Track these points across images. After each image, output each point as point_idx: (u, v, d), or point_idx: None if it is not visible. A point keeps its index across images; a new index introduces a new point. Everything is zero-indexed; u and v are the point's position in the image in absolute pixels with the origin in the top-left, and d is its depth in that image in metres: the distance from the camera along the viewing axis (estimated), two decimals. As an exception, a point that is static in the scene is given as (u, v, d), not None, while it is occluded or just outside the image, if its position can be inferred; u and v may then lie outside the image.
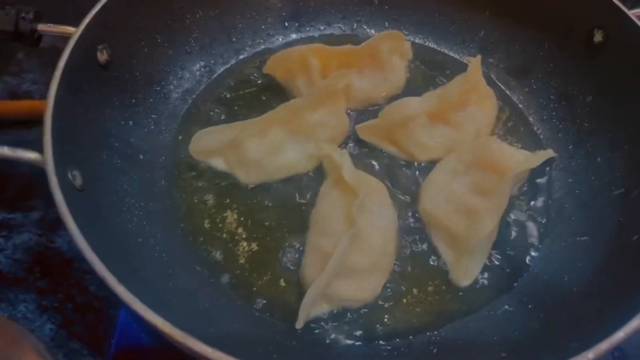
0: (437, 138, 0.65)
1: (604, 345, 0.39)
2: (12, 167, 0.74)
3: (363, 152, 0.67)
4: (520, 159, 0.61)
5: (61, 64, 0.52)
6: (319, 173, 0.64)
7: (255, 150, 0.62)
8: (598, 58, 0.65)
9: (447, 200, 0.60)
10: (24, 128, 0.75)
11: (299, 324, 0.51)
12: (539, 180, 0.65)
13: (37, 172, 0.71)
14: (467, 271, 0.56)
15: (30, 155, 0.48)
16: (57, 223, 0.68)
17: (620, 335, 0.39)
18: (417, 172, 0.65)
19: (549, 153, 0.63)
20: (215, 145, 0.64)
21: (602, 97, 0.65)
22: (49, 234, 0.68)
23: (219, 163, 0.64)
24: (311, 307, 0.52)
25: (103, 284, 0.60)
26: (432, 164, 0.65)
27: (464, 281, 0.56)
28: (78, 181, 0.50)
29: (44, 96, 0.50)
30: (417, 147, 0.65)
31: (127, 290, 0.40)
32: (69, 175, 0.49)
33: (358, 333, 0.53)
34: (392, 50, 0.71)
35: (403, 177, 0.65)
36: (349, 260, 0.53)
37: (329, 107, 0.65)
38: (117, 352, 0.57)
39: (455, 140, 0.65)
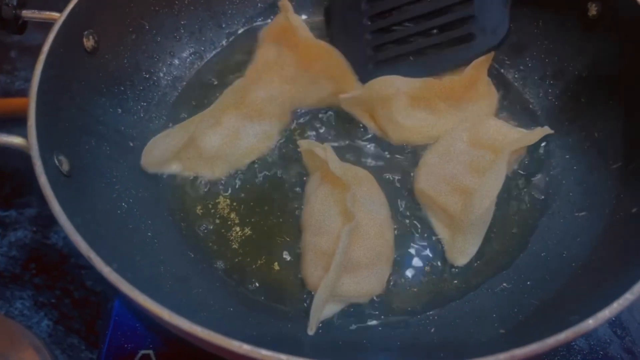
0: (414, 121, 0.64)
1: (606, 313, 0.37)
2: (6, 165, 0.73)
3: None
4: (516, 137, 0.60)
5: (45, 48, 0.51)
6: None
7: (214, 142, 0.61)
8: (593, 33, 0.64)
9: (443, 179, 0.59)
10: (15, 125, 0.75)
11: (311, 330, 0.49)
12: (536, 158, 0.64)
13: (31, 169, 0.72)
14: (464, 250, 0.55)
15: (15, 140, 0.47)
16: (52, 219, 0.67)
17: (617, 305, 0.38)
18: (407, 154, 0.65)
19: (546, 130, 0.62)
20: (170, 151, 0.60)
21: (598, 72, 0.64)
22: (44, 231, 0.68)
23: (177, 169, 0.62)
24: (321, 311, 0.50)
25: (99, 279, 0.61)
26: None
27: (461, 260, 0.55)
28: (65, 167, 0.50)
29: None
30: (391, 125, 0.64)
31: (113, 270, 0.39)
32: (55, 160, 0.49)
33: (352, 312, 0.53)
34: None
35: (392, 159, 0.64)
36: (351, 255, 0.52)
37: (269, 80, 0.65)
38: (112, 342, 0.57)
39: (433, 127, 0.64)
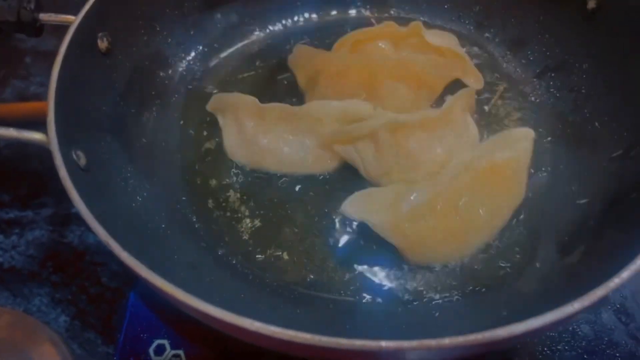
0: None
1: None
2: (22, 167, 0.76)
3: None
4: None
5: (62, 49, 0.54)
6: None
7: (249, 127, 0.62)
8: (593, 24, 0.65)
9: None
10: (31, 128, 0.77)
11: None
12: (539, 150, 0.64)
13: (46, 171, 0.74)
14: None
15: (35, 136, 0.49)
16: (68, 219, 0.70)
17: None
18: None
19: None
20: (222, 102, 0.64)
21: (598, 63, 0.65)
22: (60, 230, 0.70)
23: (220, 121, 0.65)
24: None
25: (114, 275, 0.63)
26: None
27: None
28: (82, 161, 0.52)
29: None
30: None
31: (131, 256, 0.41)
32: (73, 155, 0.51)
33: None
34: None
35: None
36: None
37: None
38: (128, 333, 0.59)
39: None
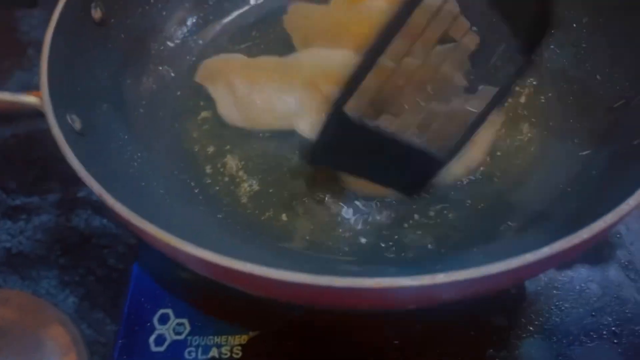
0: None
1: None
2: (28, 154, 0.76)
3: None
4: None
5: (55, 16, 0.54)
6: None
7: (241, 86, 0.62)
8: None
9: None
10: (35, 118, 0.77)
11: None
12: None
13: (52, 158, 0.74)
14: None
15: (30, 99, 0.49)
16: (74, 204, 0.70)
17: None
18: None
19: None
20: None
21: (597, 16, 0.64)
22: (66, 214, 0.70)
23: (212, 90, 0.64)
24: None
25: (121, 257, 0.64)
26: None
27: None
28: (77, 125, 0.52)
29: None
30: None
31: (123, 205, 0.41)
32: (68, 118, 0.51)
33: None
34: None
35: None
36: None
37: None
38: (132, 304, 0.59)
39: None
